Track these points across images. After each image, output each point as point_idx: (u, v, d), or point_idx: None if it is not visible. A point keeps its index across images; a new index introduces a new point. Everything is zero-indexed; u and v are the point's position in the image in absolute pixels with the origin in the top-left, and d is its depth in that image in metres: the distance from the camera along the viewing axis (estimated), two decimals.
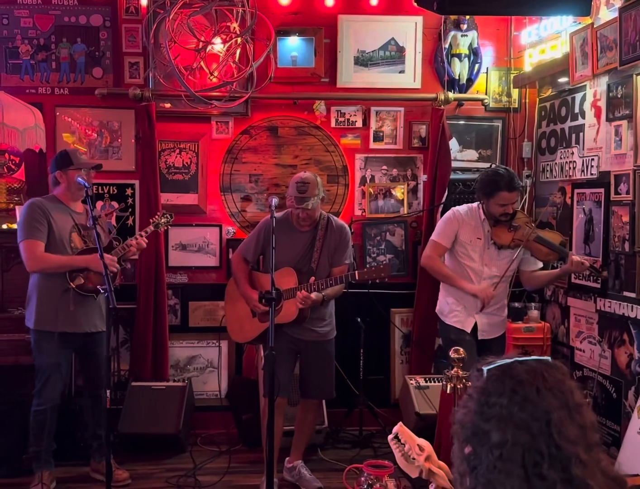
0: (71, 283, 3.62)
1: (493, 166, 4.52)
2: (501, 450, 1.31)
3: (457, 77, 4.78)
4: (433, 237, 3.91)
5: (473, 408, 1.38)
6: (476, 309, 3.80)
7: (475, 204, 3.88)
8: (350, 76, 4.79)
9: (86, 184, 3.42)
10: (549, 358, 1.45)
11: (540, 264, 3.90)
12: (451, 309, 3.87)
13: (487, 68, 4.87)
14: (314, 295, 3.57)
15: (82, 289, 3.65)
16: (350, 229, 4.76)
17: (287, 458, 3.97)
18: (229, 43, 4.21)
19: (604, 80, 3.90)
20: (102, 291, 3.19)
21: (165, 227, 4.07)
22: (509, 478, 1.30)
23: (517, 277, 4.06)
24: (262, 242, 3.81)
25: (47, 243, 3.64)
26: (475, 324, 3.83)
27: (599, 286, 3.95)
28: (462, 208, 3.89)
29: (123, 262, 3.87)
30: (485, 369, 1.41)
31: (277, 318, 3.56)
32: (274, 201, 3.50)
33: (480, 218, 3.82)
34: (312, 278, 3.59)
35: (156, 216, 4.00)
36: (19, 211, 4.29)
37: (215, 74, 4.29)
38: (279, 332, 3.62)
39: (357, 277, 3.51)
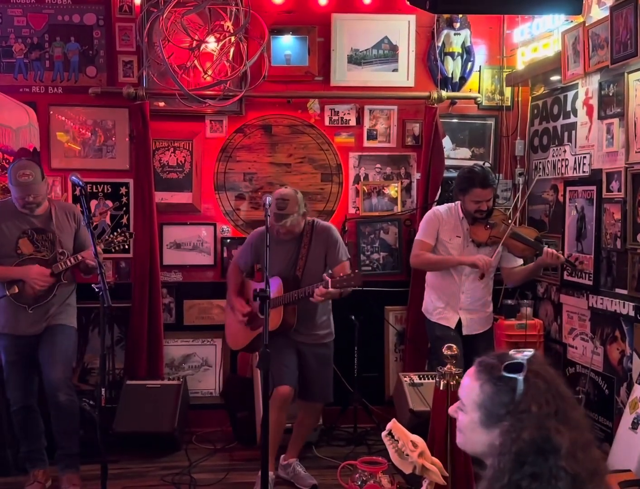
0: (6, 291, 3.56)
1: (486, 163, 4.57)
2: (567, 456, 1.31)
3: (450, 76, 4.80)
4: (417, 236, 4.01)
5: (530, 421, 1.37)
6: (459, 304, 3.87)
7: (454, 204, 3.98)
8: (343, 75, 4.80)
9: (80, 182, 3.39)
10: (532, 350, 1.48)
11: (521, 261, 3.98)
12: (435, 306, 3.94)
13: (480, 66, 4.89)
14: (331, 289, 3.48)
15: (16, 299, 3.56)
16: (345, 228, 4.81)
17: (282, 455, 3.99)
18: (223, 42, 4.22)
19: (595, 79, 3.93)
20: (96, 290, 3.16)
21: (120, 247, 3.80)
22: (575, 481, 1.31)
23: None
24: (252, 252, 3.90)
25: None
26: (460, 321, 3.90)
27: (591, 283, 3.98)
28: (442, 207, 4.01)
29: (82, 273, 3.70)
30: (520, 378, 1.39)
31: (261, 327, 3.62)
32: (268, 199, 3.52)
33: (459, 217, 3.91)
34: (327, 278, 3.52)
35: (112, 235, 3.74)
36: None
37: (209, 72, 4.29)
38: (276, 334, 3.66)
39: (330, 286, 3.48)
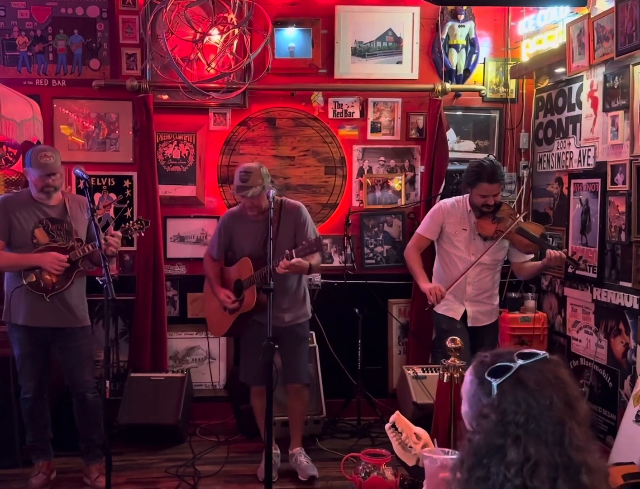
0: (23, 280, 3.57)
1: (491, 156, 4.57)
2: (521, 467, 1.29)
3: (454, 68, 4.78)
4: (418, 230, 4.07)
5: (487, 427, 1.35)
6: (465, 296, 3.90)
7: (462, 197, 3.99)
8: (347, 67, 4.79)
9: (84, 175, 3.40)
10: (546, 354, 1.43)
11: (531, 256, 3.99)
12: None
13: (485, 59, 4.87)
14: (294, 260, 3.53)
15: (34, 287, 3.57)
16: (348, 221, 4.81)
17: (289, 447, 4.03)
18: (226, 34, 4.20)
19: (600, 71, 3.91)
20: (101, 283, 3.18)
21: (137, 234, 3.87)
22: None
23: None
24: (223, 238, 3.94)
25: (10, 240, 3.61)
26: (465, 312, 3.92)
27: (595, 276, 3.97)
28: (449, 201, 4.03)
29: (90, 263, 3.76)
30: (494, 383, 1.38)
31: (240, 310, 3.81)
32: (272, 192, 3.53)
33: (467, 210, 3.93)
34: (287, 251, 3.55)
35: (129, 223, 3.77)
36: None
37: (213, 65, 4.28)
38: (251, 322, 3.80)
39: (294, 256, 3.51)
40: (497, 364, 1.40)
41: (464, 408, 1.49)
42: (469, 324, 3.92)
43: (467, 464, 1.36)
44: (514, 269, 4.10)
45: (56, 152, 3.68)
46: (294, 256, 3.50)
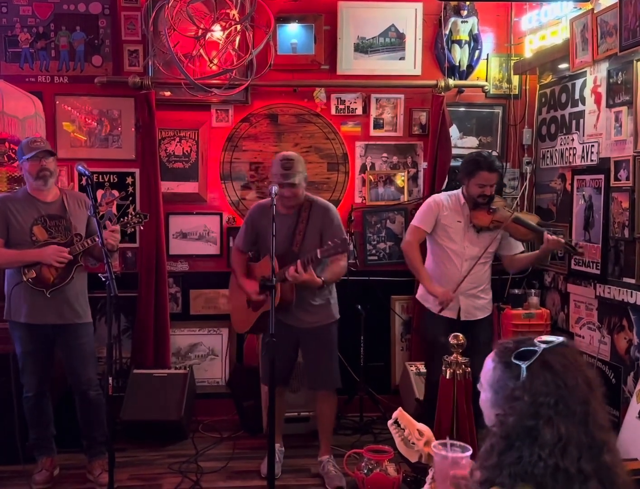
0: (23, 276, 3.57)
1: (493, 152, 4.57)
2: (553, 447, 1.32)
3: (457, 64, 4.78)
4: (413, 222, 4.03)
5: (520, 409, 1.38)
6: (459, 290, 3.85)
7: (455, 191, 4.01)
8: (350, 63, 4.78)
9: (86, 172, 3.39)
10: (564, 339, 1.48)
11: (522, 248, 4.01)
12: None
13: (488, 54, 4.86)
14: (306, 276, 3.51)
15: (34, 283, 3.57)
16: (351, 217, 4.81)
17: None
18: (229, 30, 4.19)
19: (604, 66, 3.90)
20: (103, 279, 3.18)
21: (133, 229, 3.88)
22: (556, 473, 1.31)
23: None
24: (250, 230, 3.89)
25: (8, 238, 3.61)
26: (459, 308, 3.91)
27: (598, 272, 3.96)
28: (442, 194, 4.07)
29: (92, 259, 3.78)
30: (523, 366, 1.41)
31: (263, 307, 3.72)
32: (274, 188, 3.51)
33: (460, 202, 3.94)
34: (299, 262, 3.53)
35: (127, 216, 3.78)
36: None
37: (215, 61, 4.28)
38: (275, 322, 3.67)
39: (319, 256, 3.48)
40: (522, 349, 1.45)
41: (486, 395, 1.52)
42: (462, 318, 3.89)
43: (498, 448, 1.38)
44: (505, 263, 4.07)
45: (44, 140, 3.74)
46: (319, 255, 3.46)
